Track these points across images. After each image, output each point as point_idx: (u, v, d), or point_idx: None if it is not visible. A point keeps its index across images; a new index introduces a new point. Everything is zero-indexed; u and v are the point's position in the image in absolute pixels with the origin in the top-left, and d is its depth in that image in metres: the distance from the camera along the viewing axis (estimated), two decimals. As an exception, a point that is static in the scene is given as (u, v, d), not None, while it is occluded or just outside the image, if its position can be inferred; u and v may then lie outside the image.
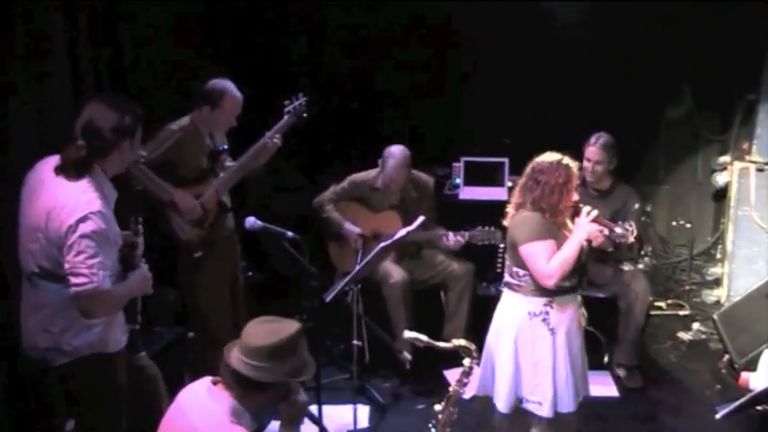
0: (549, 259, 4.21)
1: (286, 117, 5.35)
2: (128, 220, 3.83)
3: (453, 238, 5.81)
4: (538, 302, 4.32)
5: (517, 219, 4.36)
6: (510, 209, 4.47)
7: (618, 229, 4.45)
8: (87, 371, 3.74)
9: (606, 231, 4.45)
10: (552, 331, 4.31)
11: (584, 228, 4.27)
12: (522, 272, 4.34)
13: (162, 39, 6.19)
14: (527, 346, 4.34)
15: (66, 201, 3.52)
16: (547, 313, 4.31)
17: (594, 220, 4.31)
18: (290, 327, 3.08)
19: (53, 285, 3.62)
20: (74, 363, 3.71)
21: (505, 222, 4.50)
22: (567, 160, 4.33)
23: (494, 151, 7.07)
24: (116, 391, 3.84)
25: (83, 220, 3.46)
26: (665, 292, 7.37)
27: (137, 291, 3.81)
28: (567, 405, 4.37)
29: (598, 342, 5.95)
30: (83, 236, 3.45)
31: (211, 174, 5.26)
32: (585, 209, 4.31)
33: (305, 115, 5.41)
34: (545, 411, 4.34)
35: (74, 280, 3.48)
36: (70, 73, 4.95)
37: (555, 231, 4.31)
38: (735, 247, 7.04)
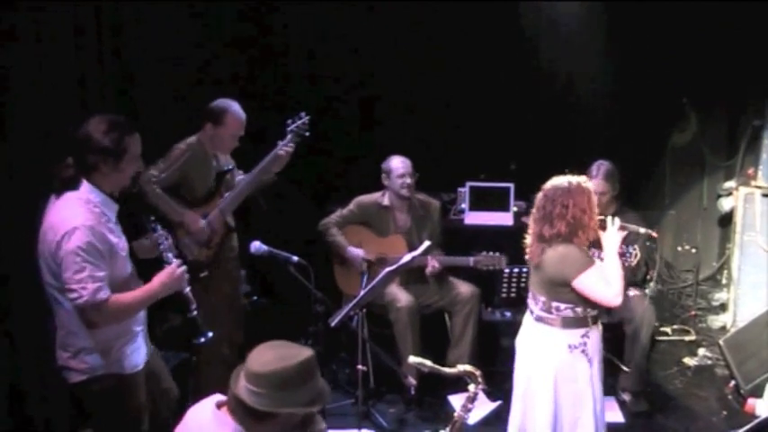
0: (605, 281, 4.22)
1: (289, 136, 5.39)
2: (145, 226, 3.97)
3: (430, 263, 5.84)
4: (576, 334, 4.27)
5: (554, 255, 4.22)
6: (532, 240, 4.36)
7: (642, 230, 4.55)
8: (102, 390, 3.80)
9: (630, 251, 4.59)
10: (590, 362, 4.29)
11: (616, 237, 4.33)
12: (563, 306, 4.26)
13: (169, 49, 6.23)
14: (568, 380, 4.27)
15: (53, 219, 3.62)
16: (585, 344, 4.28)
17: (621, 228, 4.36)
18: (299, 353, 2.89)
19: (67, 305, 3.68)
20: (88, 381, 3.78)
21: (534, 258, 4.36)
22: (580, 179, 4.33)
23: (499, 176, 7.08)
24: (131, 411, 3.88)
25: (66, 236, 3.54)
26: (670, 317, 7.35)
27: (160, 290, 3.79)
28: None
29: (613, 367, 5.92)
30: (68, 251, 3.53)
31: (217, 194, 5.32)
32: (609, 219, 4.37)
33: (307, 134, 5.44)
34: None
35: (69, 296, 3.58)
36: (76, 89, 4.99)
37: (591, 257, 4.32)
38: (740, 272, 7.02)
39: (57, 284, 3.65)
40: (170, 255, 3.91)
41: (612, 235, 4.33)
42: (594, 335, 4.32)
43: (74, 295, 3.56)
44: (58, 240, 3.55)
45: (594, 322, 4.33)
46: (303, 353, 2.90)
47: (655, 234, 4.61)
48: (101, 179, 3.69)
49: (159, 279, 3.80)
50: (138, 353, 3.91)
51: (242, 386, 2.85)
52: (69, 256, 3.53)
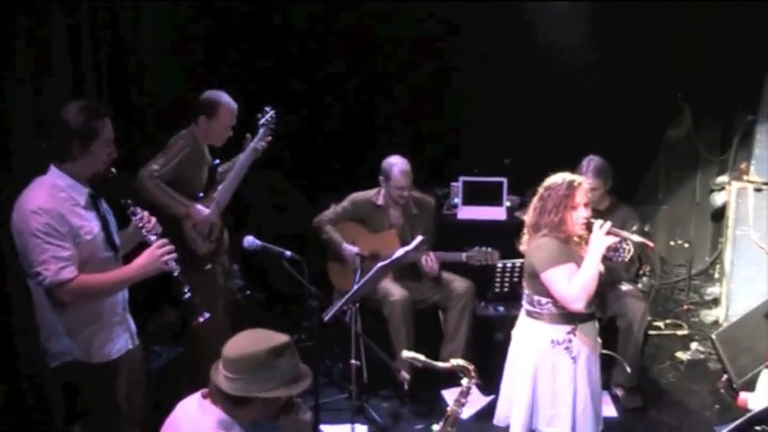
0: (568, 281, 4.15)
1: (262, 131, 5.39)
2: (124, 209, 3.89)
3: (428, 264, 5.83)
4: (561, 330, 4.26)
5: (533, 246, 4.29)
6: (525, 231, 4.41)
7: (635, 237, 4.29)
8: (71, 377, 3.80)
9: (623, 246, 4.30)
10: (574, 360, 4.26)
11: (601, 242, 4.18)
12: (543, 300, 4.27)
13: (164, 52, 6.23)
14: (547, 375, 4.28)
15: (17, 205, 3.63)
16: (570, 341, 4.26)
17: (609, 232, 4.20)
18: (273, 338, 2.93)
19: (35, 289, 3.70)
20: (60, 366, 3.78)
21: (522, 247, 4.44)
22: (572, 177, 4.31)
23: (493, 171, 7.09)
24: (101, 401, 3.85)
25: (24, 220, 3.57)
26: (663, 311, 7.36)
27: (137, 272, 3.75)
28: None
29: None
30: (29, 235, 3.55)
31: (212, 187, 5.31)
32: (597, 222, 4.22)
33: (272, 127, 5.43)
34: None
35: (36, 279, 3.59)
36: (71, 86, 4.99)
37: (573, 255, 4.25)
38: (733, 266, 7.03)
39: (26, 268, 3.65)
40: (152, 236, 3.82)
41: (598, 238, 4.19)
42: (584, 333, 4.29)
43: (39, 278, 3.56)
44: (18, 226, 3.58)
45: (585, 320, 4.29)
46: (277, 338, 2.94)
47: (651, 244, 4.38)
48: (72, 163, 3.68)
49: (137, 261, 3.77)
50: (110, 344, 3.87)
51: (220, 374, 2.91)
52: (31, 239, 3.54)
